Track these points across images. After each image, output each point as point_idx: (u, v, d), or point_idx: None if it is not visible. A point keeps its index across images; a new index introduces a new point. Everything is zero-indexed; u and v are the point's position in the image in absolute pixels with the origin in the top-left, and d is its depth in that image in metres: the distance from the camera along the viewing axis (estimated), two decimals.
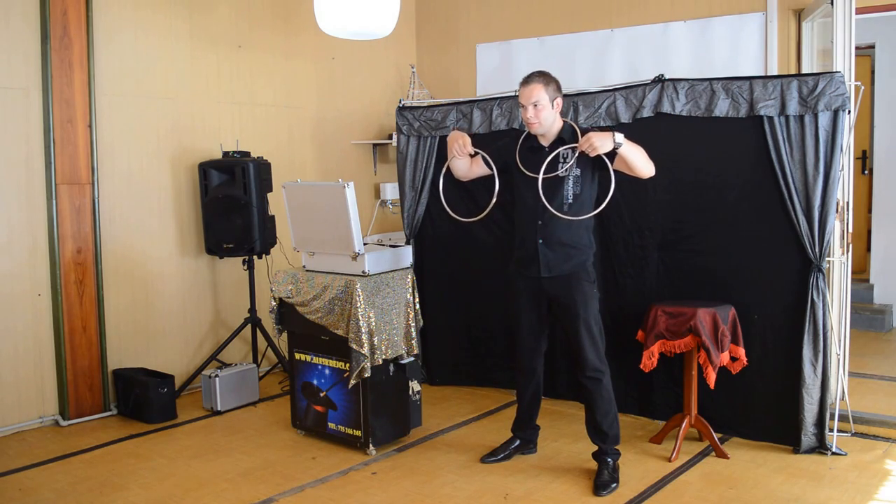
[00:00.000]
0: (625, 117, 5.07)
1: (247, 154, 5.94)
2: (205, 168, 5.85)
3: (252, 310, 6.03)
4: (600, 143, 3.96)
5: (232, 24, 6.27)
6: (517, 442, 4.63)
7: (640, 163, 4.08)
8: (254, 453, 4.75)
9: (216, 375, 5.49)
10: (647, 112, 4.97)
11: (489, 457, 4.57)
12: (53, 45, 5.18)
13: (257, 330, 6.07)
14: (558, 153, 4.20)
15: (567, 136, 4.23)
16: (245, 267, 6.03)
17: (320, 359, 4.82)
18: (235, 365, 5.71)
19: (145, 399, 5.33)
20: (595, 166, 4.16)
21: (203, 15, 6.08)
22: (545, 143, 4.28)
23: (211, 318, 6.19)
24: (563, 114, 5.31)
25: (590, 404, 4.29)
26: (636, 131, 4.96)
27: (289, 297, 4.88)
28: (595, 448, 4.34)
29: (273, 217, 5.88)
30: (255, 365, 5.85)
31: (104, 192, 5.53)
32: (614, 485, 4.16)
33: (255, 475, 4.41)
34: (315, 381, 4.87)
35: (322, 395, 4.83)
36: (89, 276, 5.39)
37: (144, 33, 5.74)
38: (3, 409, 5.11)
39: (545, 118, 4.17)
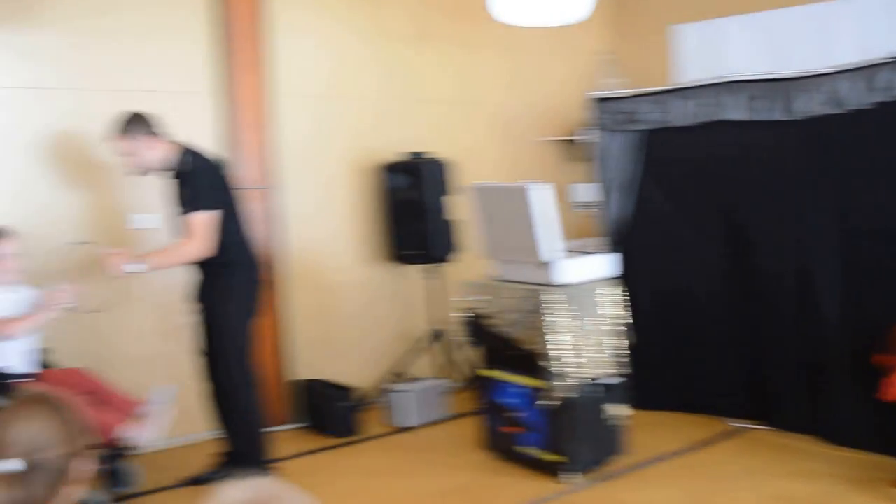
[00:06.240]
0: (853, 103, 4.69)
1: (429, 154, 5.97)
2: (386, 170, 5.92)
3: (438, 322, 6.04)
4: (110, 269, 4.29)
5: (410, 19, 6.34)
6: None
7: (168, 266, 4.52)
8: (441, 475, 4.75)
9: (401, 390, 5.53)
10: (881, 97, 4.57)
11: None
12: (229, 48, 5.40)
13: (444, 343, 6.09)
14: None
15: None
16: (430, 275, 6.04)
17: (513, 376, 4.74)
18: (421, 380, 5.76)
19: (327, 412, 5.45)
20: None
21: (380, 10, 6.18)
22: None
23: (394, 329, 6.26)
24: (769, 99, 5.03)
25: None
26: (868, 119, 4.61)
27: (478, 309, 4.86)
28: None
29: (459, 222, 5.86)
30: (442, 380, 5.88)
31: (284, 196, 5.68)
32: None
33: (443, 499, 4.41)
34: (507, 401, 4.80)
35: (515, 415, 4.75)
36: (272, 284, 5.52)
37: (320, 32, 5.90)
38: (187, 418, 5.25)
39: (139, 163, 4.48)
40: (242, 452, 4.56)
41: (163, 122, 4.51)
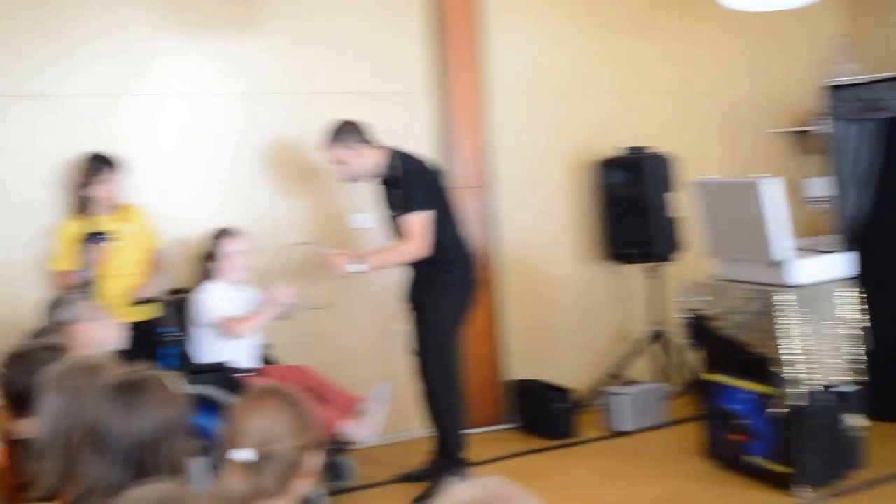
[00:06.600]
0: None
1: (648, 149, 5.86)
2: (603, 166, 5.87)
3: (658, 323, 5.93)
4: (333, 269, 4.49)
5: (628, 10, 6.25)
6: None
7: (388, 266, 4.71)
8: (659, 482, 4.65)
9: (618, 393, 5.46)
10: None
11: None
12: (444, 46, 5.51)
13: (664, 345, 5.97)
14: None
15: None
16: (650, 274, 5.95)
17: (740, 381, 4.57)
18: (641, 383, 5.68)
19: (542, 414, 5.47)
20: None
21: (597, 1, 6.14)
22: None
23: (612, 329, 6.19)
24: None
25: None
26: None
27: (702, 310, 4.73)
28: None
29: (681, 219, 5.73)
30: (661, 384, 5.77)
31: (499, 194, 5.75)
32: None
33: None
34: (733, 407, 4.63)
35: (741, 422, 4.58)
36: (487, 283, 5.58)
37: (535, 27, 5.92)
38: (402, 415, 5.30)
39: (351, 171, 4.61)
40: (447, 451, 4.65)
41: (373, 128, 4.63)
